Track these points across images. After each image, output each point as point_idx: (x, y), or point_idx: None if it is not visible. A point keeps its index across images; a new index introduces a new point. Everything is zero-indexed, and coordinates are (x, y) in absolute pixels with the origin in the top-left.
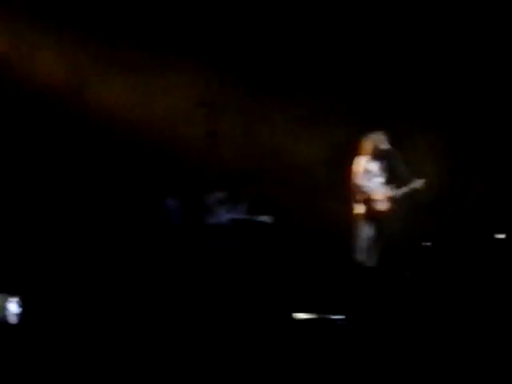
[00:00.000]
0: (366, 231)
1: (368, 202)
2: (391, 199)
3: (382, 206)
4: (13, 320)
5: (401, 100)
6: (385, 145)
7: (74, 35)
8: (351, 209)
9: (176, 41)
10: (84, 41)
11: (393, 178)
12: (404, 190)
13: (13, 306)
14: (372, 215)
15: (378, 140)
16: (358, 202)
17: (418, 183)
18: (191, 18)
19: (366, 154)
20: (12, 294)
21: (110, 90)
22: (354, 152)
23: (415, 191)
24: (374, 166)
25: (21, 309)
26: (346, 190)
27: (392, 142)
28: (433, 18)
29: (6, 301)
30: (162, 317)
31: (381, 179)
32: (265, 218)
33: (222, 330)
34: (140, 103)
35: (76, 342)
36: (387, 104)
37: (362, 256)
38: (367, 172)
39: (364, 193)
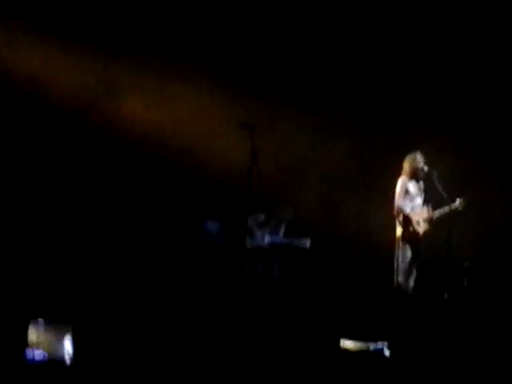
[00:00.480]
0: (405, 253)
1: (407, 223)
2: (430, 220)
3: (421, 227)
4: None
5: (437, 120)
6: (423, 165)
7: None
8: (391, 230)
9: (215, 64)
10: (119, 57)
11: (432, 198)
12: (442, 210)
13: (68, 344)
14: (411, 237)
15: (415, 160)
16: (398, 223)
17: (457, 203)
18: (231, 40)
19: (405, 175)
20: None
21: (150, 113)
22: (393, 172)
23: (455, 211)
24: (413, 187)
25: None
26: (385, 211)
27: (430, 161)
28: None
29: (61, 336)
30: (204, 342)
31: (420, 200)
32: (304, 241)
33: (266, 357)
34: (182, 126)
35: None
36: (424, 124)
37: (401, 278)
38: (406, 193)
39: (403, 214)
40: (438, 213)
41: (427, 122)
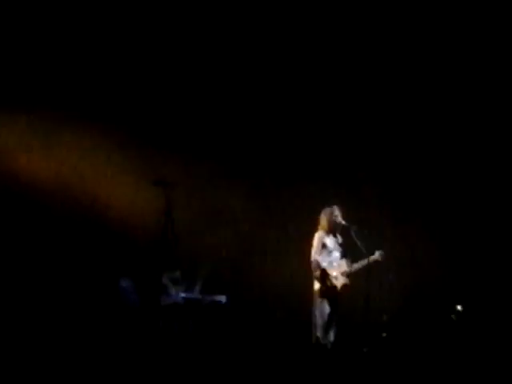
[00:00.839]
0: (323, 307)
1: (325, 277)
2: (348, 274)
3: (339, 281)
4: None
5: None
6: (340, 219)
7: None
8: (310, 285)
9: (132, 120)
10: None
11: (350, 252)
12: (361, 262)
13: None
14: (329, 291)
15: (332, 214)
16: (315, 277)
17: (376, 255)
18: (147, 97)
19: (322, 229)
20: None
21: (64, 172)
22: (312, 227)
23: (373, 263)
24: (330, 241)
25: None
26: (303, 265)
27: (347, 215)
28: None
29: None
30: None
31: (338, 254)
32: (219, 298)
33: None
34: (96, 183)
35: None
36: (339, 178)
37: (320, 332)
38: (323, 247)
39: (321, 268)
40: (356, 266)
41: (343, 176)
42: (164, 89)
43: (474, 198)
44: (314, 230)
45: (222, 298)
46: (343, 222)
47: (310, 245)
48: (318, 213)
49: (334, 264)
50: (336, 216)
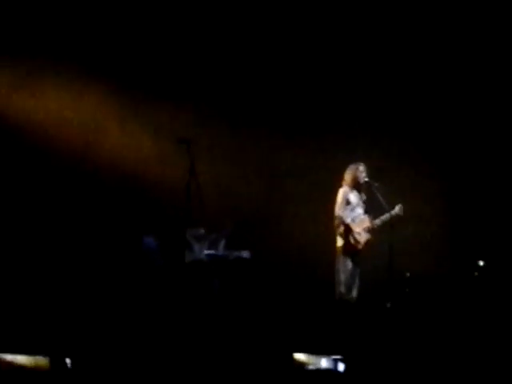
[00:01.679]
0: (346, 264)
1: (348, 233)
2: (371, 230)
3: (362, 237)
4: None
5: (379, 131)
6: (364, 175)
7: None
8: (332, 241)
9: (153, 78)
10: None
11: (372, 208)
12: (383, 217)
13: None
14: (352, 247)
15: (357, 171)
16: (338, 233)
17: (396, 209)
18: (166, 56)
19: (346, 185)
20: None
21: (84, 128)
22: (335, 183)
23: (395, 218)
24: (354, 197)
25: None
26: (326, 221)
27: (371, 172)
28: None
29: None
30: (149, 358)
31: (361, 210)
32: (244, 253)
33: (214, 374)
34: (117, 141)
35: None
36: (366, 135)
37: (343, 289)
38: (347, 203)
39: (344, 224)
40: (378, 221)
41: (368, 132)
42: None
43: (498, 151)
44: (338, 185)
45: (246, 254)
46: (367, 179)
47: (334, 200)
48: (343, 169)
49: (357, 220)
50: (361, 172)
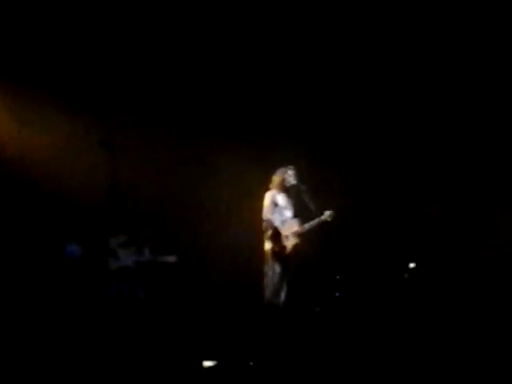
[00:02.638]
0: (274, 268)
1: (276, 237)
2: (299, 234)
3: (290, 241)
4: None
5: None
6: (292, 179)
7: None
8: (261, 244)
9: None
10: None
11: (301, 212)
12: (312, 223)
13: None
14: (281, 251)
15: (286, 174)
16: (267, 237)
17: (326, 215)
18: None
19: (274, 188)
20: None
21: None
22: (263, 187)
23: (324, 223)
24: (282, 200)
25: None
26: (255, 225)
27: (300, 175)
28: None
29: None
30: (68, 364)
31: (290, 213)
32: (170, 258)
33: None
34: (42, 147)
35: None
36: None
37: (272, 293)
38: (275, 206)
39: (272, 227)
40: (307, 226)
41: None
42: (106, 48)
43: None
44: (266, 189)
45: (173, 258)
46: (294, 183)
47: (261, 203)
48: (271, 171)
49: (286, 224)
50: (289, 176)
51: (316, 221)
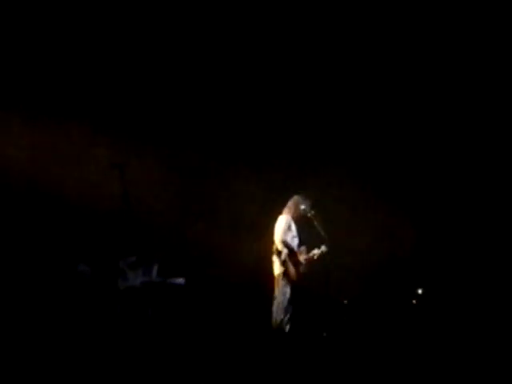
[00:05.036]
0: (284, 292)
1: (291, 260)
2: (310, 261)
3: (301, 267)
4: None
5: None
6: (309, 207)
7: None
8: (270, 268)
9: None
10: None
11: (309, 239)
12: (315, 252)
13: None
14: (291, 275)
15: (303, 202)
16: (280, 260)
17: (322, 248)
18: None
19: (290, 214)
20: None
21: (21, 155)
22: (274, 211)
23: (324, 254)
24: (295, 227)
25: None
26: (264, 248)
27: (313, 203)
28: None
29: None
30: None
31: (297, 241)
32: (178, 280)
33: None
34: (53, 168)
35: None
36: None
37: (280, 316)
38: (289, 231)
39: (290, 249)
40: (317, 253)
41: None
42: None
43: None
44: (276, 214)
45: (181, 281)
46: (311, 210)
47: (272, 228)
48: (286, 198)
49: (295, 249)
50: (306, 203)
51: (318, 251)
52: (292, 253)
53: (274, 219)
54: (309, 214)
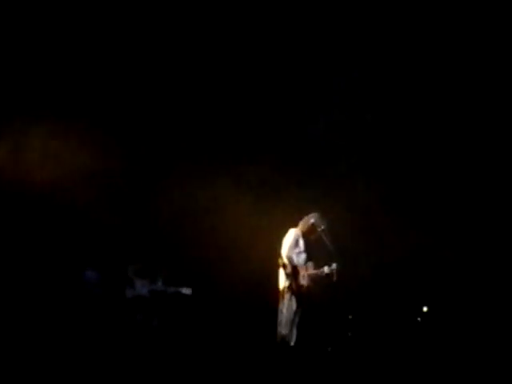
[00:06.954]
0: (290, 305)
1: (295, 275)
2: (314, 277)
3: (306, 281)
4: None
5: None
6: (322, 224)
7: None
8: (276, 281)
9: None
10: None
11: (316, 255)
12: (325, 270)
13: None
14: (297, 289)
15: (316, 219)
16: (285, 274)
17: (325, 269)
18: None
19: (300, 229)
20: None
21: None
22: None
23: (330, 274)
24: (303, 242)
25: None
26: (271, 260)
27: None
28: None
29: None
30: None
31: (303, 256)
32: (185, 290)
33: None
34: (55, 169)
35: None
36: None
37: (285, 330)
38: (297, 246)
39: (292, 265)
40: (326, 269)
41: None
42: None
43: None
44: (285, 226)
45: (188, 291)
46: (323, 228)
47: (280, 240)
48: (292, 212)
49: (302, 265)
50: (319, 221)
51: (334, 266)
52: (295, 269)
53: (285, 232)
54: (319, 229)
